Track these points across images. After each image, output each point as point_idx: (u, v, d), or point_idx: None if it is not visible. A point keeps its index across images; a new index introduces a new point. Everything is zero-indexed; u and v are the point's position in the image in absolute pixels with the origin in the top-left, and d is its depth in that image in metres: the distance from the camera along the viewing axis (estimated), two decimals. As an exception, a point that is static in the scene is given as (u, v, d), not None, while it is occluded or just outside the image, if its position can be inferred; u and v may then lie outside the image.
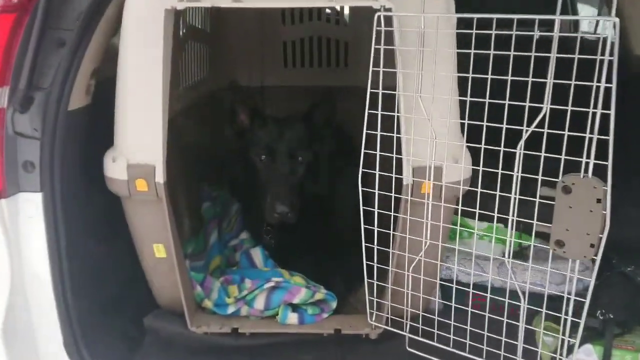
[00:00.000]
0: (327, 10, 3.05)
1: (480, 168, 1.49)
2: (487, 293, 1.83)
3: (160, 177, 1.64)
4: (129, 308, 1.92)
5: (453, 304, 1.66)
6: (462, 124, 1.56)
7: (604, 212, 1.32)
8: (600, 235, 1.35)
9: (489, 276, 1.93)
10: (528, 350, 1.57)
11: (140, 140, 1.66)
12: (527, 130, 1.38)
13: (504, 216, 1.47)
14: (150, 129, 1.64)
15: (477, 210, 1.52)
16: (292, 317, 1.82)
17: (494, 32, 1.38)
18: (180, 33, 2.26)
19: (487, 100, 1.41)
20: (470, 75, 1.42)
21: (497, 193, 1.46)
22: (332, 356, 1.80)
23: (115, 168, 1.67)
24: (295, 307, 1.85)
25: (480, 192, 1.50)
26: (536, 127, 1.36)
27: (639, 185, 2.42)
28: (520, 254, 2.22)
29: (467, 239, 2.28)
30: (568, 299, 1.45)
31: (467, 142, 1.62)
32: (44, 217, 1.60)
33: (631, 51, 2.53)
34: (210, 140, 2.70)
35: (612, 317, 1.85)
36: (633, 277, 1.98)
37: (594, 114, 1.27)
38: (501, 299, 1.62)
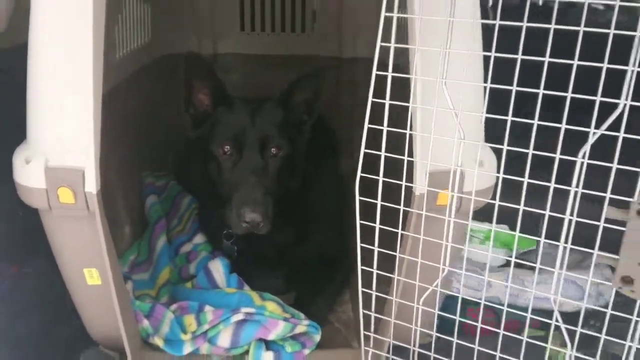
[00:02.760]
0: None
1: (526, 180, 1.13)
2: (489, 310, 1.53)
3: (91, 185, 1.21)
4: (55, 348, 1.49)
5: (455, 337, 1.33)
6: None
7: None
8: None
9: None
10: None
11: (63, 133, 1.21)
12: (594, 133, 1.04)
13: (555, 242, 1.13)
14: (77, 118, 1.20)
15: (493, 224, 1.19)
16: (267, 357, 1.44)
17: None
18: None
19: (541, 91, 1.05)
20: (520, 56, 1.06)
21: (547, 212, 1.12)
22: None
23: (28, 173, 1.22)
24: (269, 344, 1.47)
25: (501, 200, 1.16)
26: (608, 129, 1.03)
27: None
28: (526, 259, 1.92)
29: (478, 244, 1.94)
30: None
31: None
32: None
33: None
34: (152, 117, 2.24)
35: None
36: None
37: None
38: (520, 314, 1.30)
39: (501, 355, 1.28)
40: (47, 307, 1.54)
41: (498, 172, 1.18)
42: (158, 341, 1.44)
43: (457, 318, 1.32)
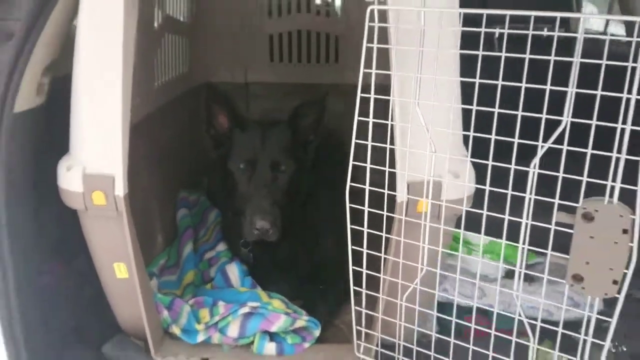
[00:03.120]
0: (317, 2, 2.84)
1: (487, 188, 1.29)
2: (485, 316, 1.65)
3: (120, 189, 1.44)
4: (89, 335, 1.71)
5: (452, 337, 1.47)
6: (466, 137, 1.35)
7: (631, 244, 1.13)
8: (625, 271, 1.16)
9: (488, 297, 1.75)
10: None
11: (97, 147, 1.45)
12: (542, 147, 1.19)
13: (514, 244, 1.28)
14: (109, 134, 1.44)
15: (482, 235, 1.34)
16: (270, 347, 1.62)
17: (506, 31, 1.18)
18: (156, 24, 2.05)
19: (496, 110, 1.22)
20: (478, 80, 1.23)
21: (506, 217, 1.27)
22: None
23: (69, 178, 1.46)
24: (273, 336, 1.65)
25: (486, 209, 1.31)
26: (554, 142, 1.18)
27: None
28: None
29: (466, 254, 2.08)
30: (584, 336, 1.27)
31: (471, 156, 1.42)
32: None
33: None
34: (189, 141, 2.49)
35: (625, 349, 1.67)
36: None
37: (623, 129, 1.08)
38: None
39: (494, 354, 1.41)
40: (84, 300, 1.77)
41: (480, 184, 1.35)
42: (176, 330, 1.64)
43: (454, 319, 1.46)
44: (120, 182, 1.44)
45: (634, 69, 1.05)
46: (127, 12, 1.39)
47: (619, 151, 1.10)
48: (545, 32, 1.27)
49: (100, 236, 1.55)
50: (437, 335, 1.57)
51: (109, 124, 1.42)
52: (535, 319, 1.75)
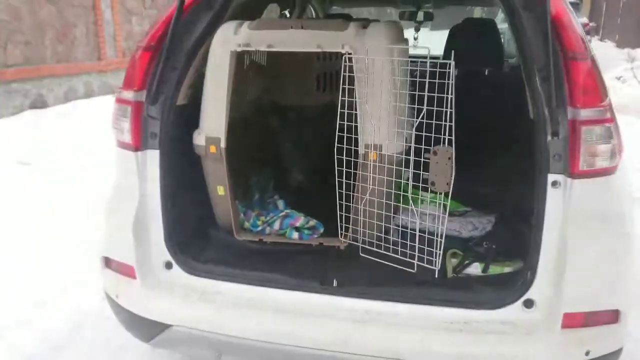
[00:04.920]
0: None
1: (413, 145, 2.65)
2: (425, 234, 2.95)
3: (223, 144, 2.90)
4: (202, 225, 3.17)
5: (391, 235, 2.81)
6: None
7: (452, 165, 2.46)
8: (451, 178, 2.48)
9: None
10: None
11: (213, 124, 2.93)
12: (415, 122, 2.55)
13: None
14: (219, 118, 2.91)
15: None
16: (295, 235, 3.02)
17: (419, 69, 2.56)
18: (245, 65, 3.55)
19: (416, 106, 2.59)
20: (398, 91, 2.61)
21: (412, 157, 2.63)
22: (317, 257, 2.96)
23: (199, 138, 2.95)
24: (297, 229, 3.05)
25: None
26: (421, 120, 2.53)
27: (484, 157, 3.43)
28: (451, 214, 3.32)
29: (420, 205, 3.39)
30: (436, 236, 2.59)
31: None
32: (159, 162, 2.84)
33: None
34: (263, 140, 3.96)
35: (494, 247, 2.92)
36: (511, 223, 3.02)
37: (447, 112, 2.42)
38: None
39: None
40: (201, 210, 3.21)
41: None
42: (247, 225, 3.07)
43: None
44: (223, 141, 2.90)
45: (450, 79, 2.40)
46: (230, 63, 2.88)
47: (447, 120, 2.43)
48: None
49: (211, 170, 3.01)
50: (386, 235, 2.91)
51: (218, 113, 2.91)
52: (455, 236, 3.06)
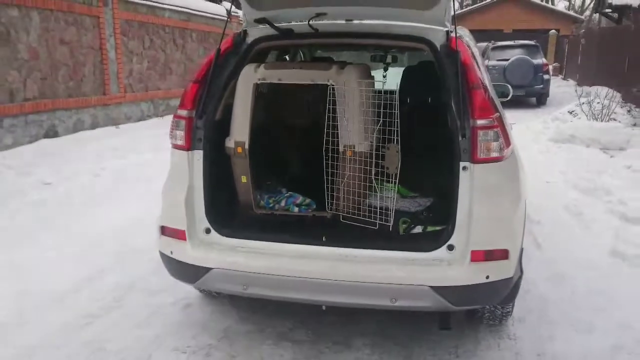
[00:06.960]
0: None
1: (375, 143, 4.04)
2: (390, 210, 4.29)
3: (247, 146, 4.24)
4: (230, 203, 4.48)
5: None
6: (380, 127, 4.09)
7: (399, 156, 3.85)
8: (398, 163, 3.86)
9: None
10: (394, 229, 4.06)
11: (240, 132, 4.27)
12: (376, 129, 3.93)
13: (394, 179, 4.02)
14: (243, 128, 4.26)
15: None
16: (296, 209, 4.34)
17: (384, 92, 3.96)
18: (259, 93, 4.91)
19: (381, 110, 3.99)
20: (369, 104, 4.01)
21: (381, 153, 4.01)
22: (312, 223, 4.28)
23: (230, 142, 4.28)
24: (297, 205, 4.38)
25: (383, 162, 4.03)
26: (384, 125, 3.92)
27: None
28: (404, 197, 4.70)
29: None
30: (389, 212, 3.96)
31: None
32: (202, 159, 4.14)
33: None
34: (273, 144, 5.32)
35: (430, 215, 4.28)
36: (440, 200, 4.40)
37: (396, 122, 3.81)
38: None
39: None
40: (230, 189, 4.52)
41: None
42: (262, 203, 4.39)
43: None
44: (247, 144, 4.24)
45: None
46: (252, 92, 4.24)
47: (396, 125, 3.82)
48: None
49: (237, 164, 4.32)
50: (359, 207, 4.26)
51: (243, 125, 4.25)
52: (405, 211, 4.44)
